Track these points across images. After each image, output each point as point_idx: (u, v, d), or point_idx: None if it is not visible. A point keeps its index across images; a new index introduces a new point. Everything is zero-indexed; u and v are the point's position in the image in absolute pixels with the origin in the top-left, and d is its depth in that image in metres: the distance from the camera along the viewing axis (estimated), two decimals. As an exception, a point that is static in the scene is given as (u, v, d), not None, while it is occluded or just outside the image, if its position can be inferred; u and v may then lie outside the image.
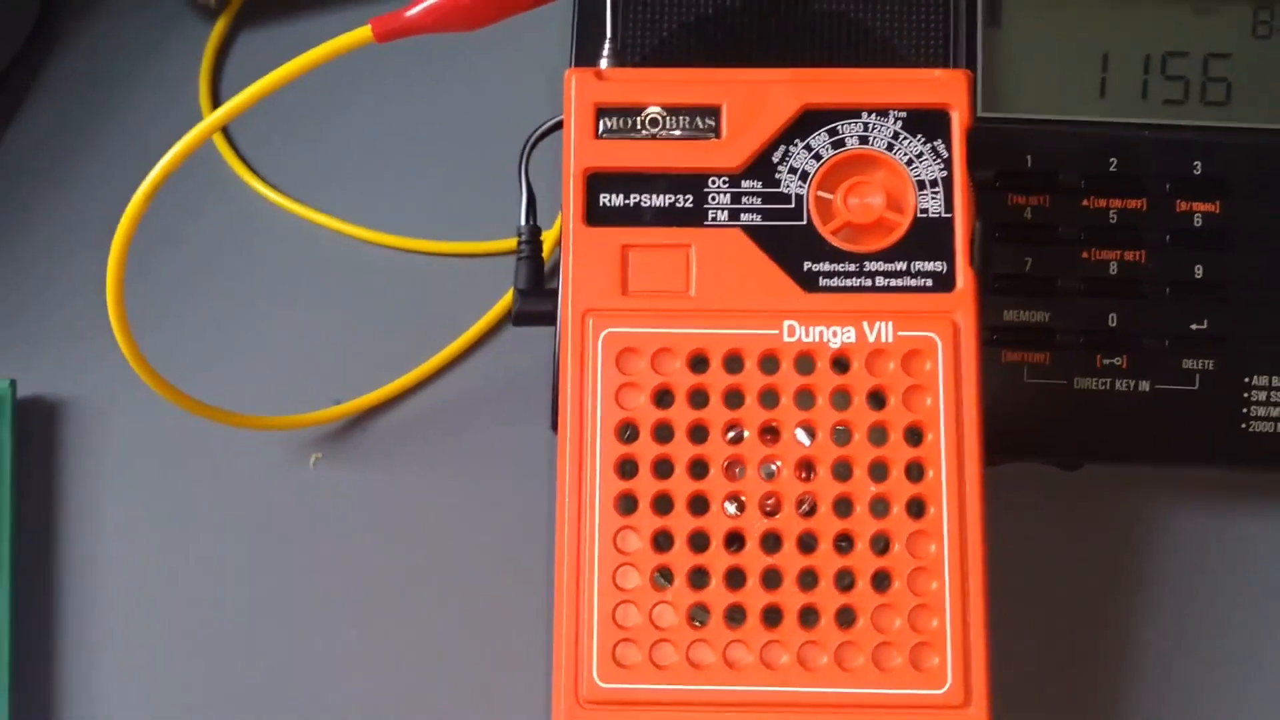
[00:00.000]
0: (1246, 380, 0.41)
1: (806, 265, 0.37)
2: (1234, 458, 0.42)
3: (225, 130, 0.50)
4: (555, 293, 0.39)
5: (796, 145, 0.37)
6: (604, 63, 0.39)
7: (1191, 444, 0.42)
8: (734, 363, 0.36)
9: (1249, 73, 0.43)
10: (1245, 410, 0.41)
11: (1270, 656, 0.44)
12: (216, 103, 0.51)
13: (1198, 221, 0.42)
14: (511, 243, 0.43)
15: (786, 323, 0.36)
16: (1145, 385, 0.41)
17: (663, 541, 0.36)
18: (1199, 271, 0.42)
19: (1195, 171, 0.42)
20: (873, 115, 0.37)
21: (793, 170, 0.37)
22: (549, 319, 0.39)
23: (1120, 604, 0.44)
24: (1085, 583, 0.44)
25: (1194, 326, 0.41)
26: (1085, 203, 0.42)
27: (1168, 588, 0.44)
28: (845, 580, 0.36)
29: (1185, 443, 0.41)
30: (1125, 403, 0.41)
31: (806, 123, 0.37)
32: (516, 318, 0.40)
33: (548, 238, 0.44)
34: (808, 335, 0.36)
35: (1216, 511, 0.45)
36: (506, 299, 0.47)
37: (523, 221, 0.41)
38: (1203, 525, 0.45)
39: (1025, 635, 0.43)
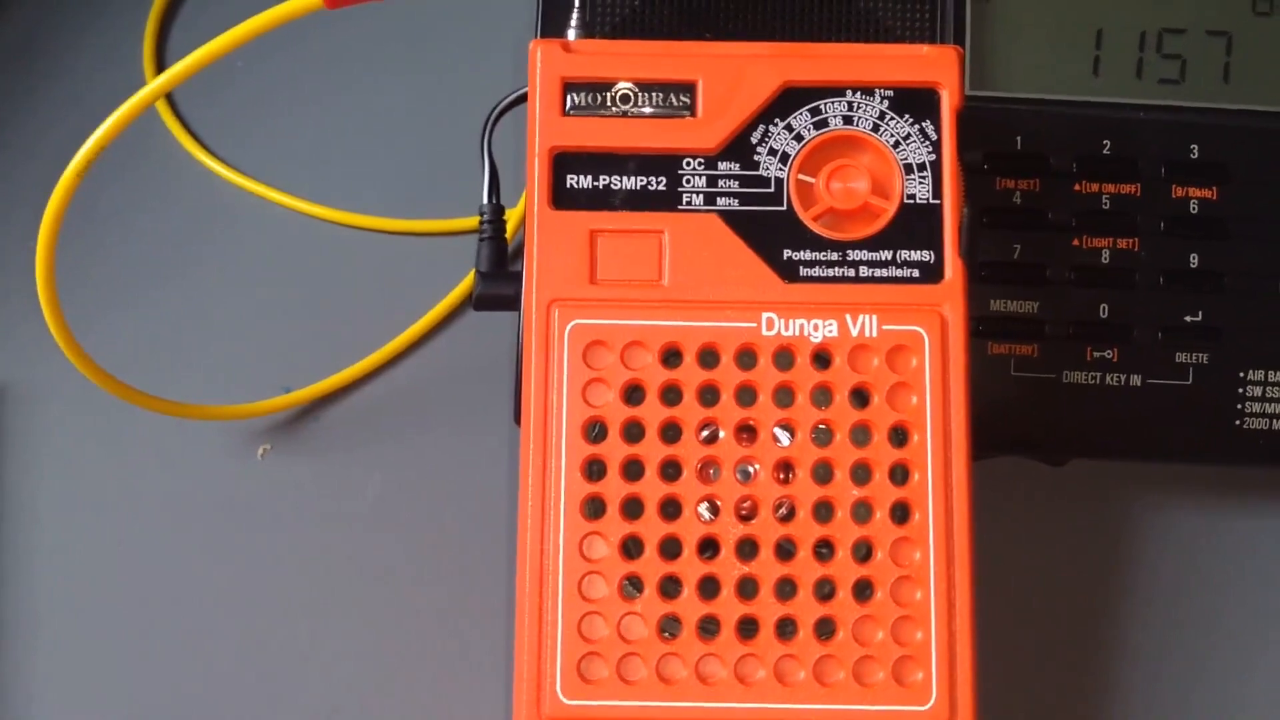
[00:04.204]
0: (1241, 375, 0.41)
1: (786, 254, 0.36)
2: (1227, 455, 0.41)
3: (173, 103, 0.50)
4: (519, 275, 0.38)
5: (777, 125, 0.36)
6: (572, 34, 0.38)
7: (1183, 441, 0.41)
8: (709, 357, 0.35)
9: (1249, 52, 0.42)
10: (1239, 406, 0.41)
11: (1264, 658, 0.44)
12: (161, 70, 0.50)
13: (1194, 208, 0.41)
14: (473, 222, 0.43)
15: (765, 315, 0.35)
16: (1136, 379, 0.41)
17: (632, 548, 0.35)
18: (1194, 260, 0.41)
19: (1192, 155, 0.41)
20: (858, 94, 0.36)
21: (772, 152, 0.36)
22: (512, 303, 0.38)
23: (1107, 607, 0.44)
24: (1070, 584, 0.44)
25: (1188, 318, 0.41)
26: (1077, 187, 0.41)
27: (1157, 589, 0.44)
28: (825, 589, 0.35)
29: (1177, 439, 0.41)
30: (1115, 397, 0.41)
31: (787, 101, 0.36)
32: (478, 302, 0.39)
33: (511, 217, 0.44)
34: (787, 328, 0.35)
35: (1207, 509, 0.45)
36: (467, 282, 0.47)
37: (485, 200, 0.40)
38: (1193, 523, 0.45)
39: (1007, 641, 0.42)
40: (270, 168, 0.48)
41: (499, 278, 0.39)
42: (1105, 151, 0.41)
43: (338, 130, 0.49)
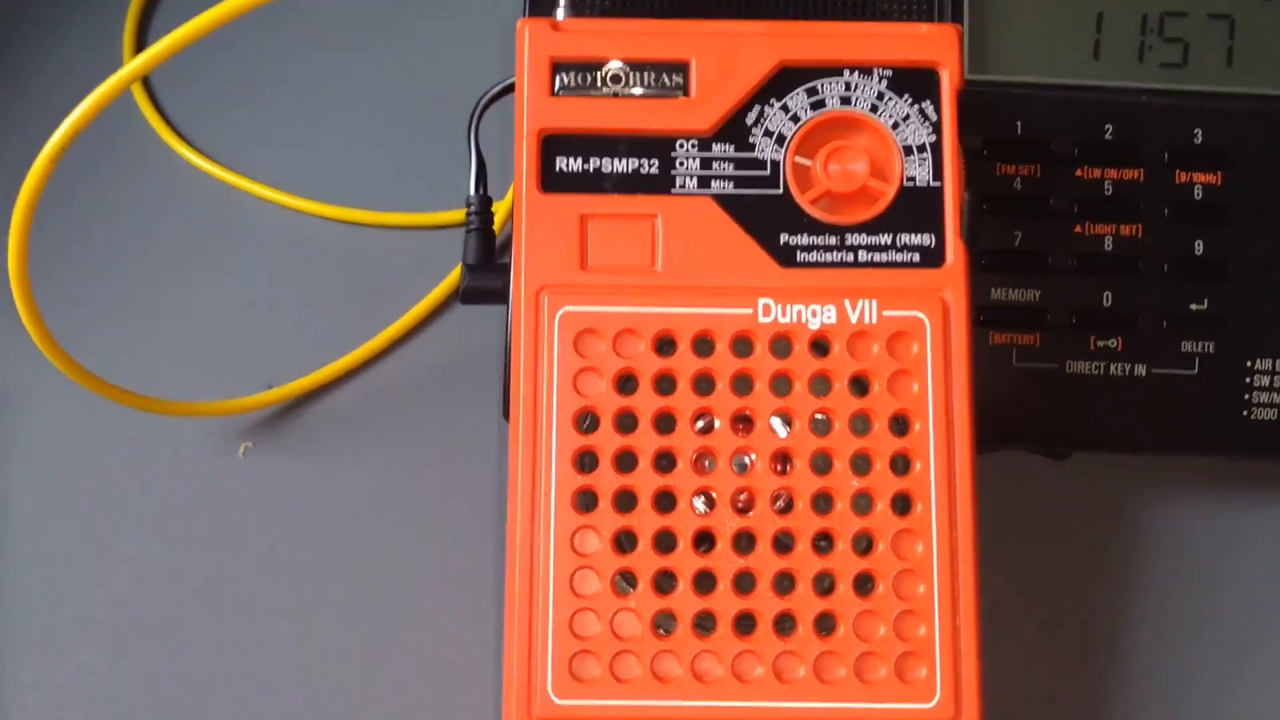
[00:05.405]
0: (1248, 364, 0.41)
1: (783, 238, 0.35)
2: (1234, 447, 0.41)
3: (151, 93, 0.50)
4: (507, 268, 0.37)
5: (772, 105, 0.36)
6: (560, 12, 0.38)
7: (1189, 432, 0.41)
8: (704, 345, 0.35)
9: (1252, 35, 0.42)
10: (1247, 396, 0.41)
11: (1270, 652, 0.43)
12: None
13: (1198, 194, 0.41)
14: (460, 214, 0.43)
15: (761, 301, 0.35)
16: (1141, 369, 0.41)
17: (625, 542, 0.34)
18: (1199, 247, 0.41)
19: (1196, 140, 0.41)
20: (855, 73, 0.36)
21: (768, 133, 0.36)
22: (500, 296, 0.38)
23: (1109, 605, 0.44)
24: (1071, 581, 0.44)
25: (1193, 306, 0.41)
26: (1079, 173, 0.41)
27: (1161, 584, 0.44)
28: (824, 584, 0.34)
29: (1183, 430, 0.41)
30: (1120, 387, 0.40)
31: (783, 81, 0.36)
32: (465, 295, 0.39)
33: (499, 209, 0.44)
34: (784, 315, 0.35)
35: (1213, 502, 0.45)
36: (454, 275, 0.47)
37: (472, 191, 0.39)
38: (1198, 517, 0.44)
39: (1008, 637, 0.42)
40: (252, 161, 0.48)
41: (487, 270, 0.39)
42: (1108, 137, 0.41)
43: (321, 122, 0.49)
